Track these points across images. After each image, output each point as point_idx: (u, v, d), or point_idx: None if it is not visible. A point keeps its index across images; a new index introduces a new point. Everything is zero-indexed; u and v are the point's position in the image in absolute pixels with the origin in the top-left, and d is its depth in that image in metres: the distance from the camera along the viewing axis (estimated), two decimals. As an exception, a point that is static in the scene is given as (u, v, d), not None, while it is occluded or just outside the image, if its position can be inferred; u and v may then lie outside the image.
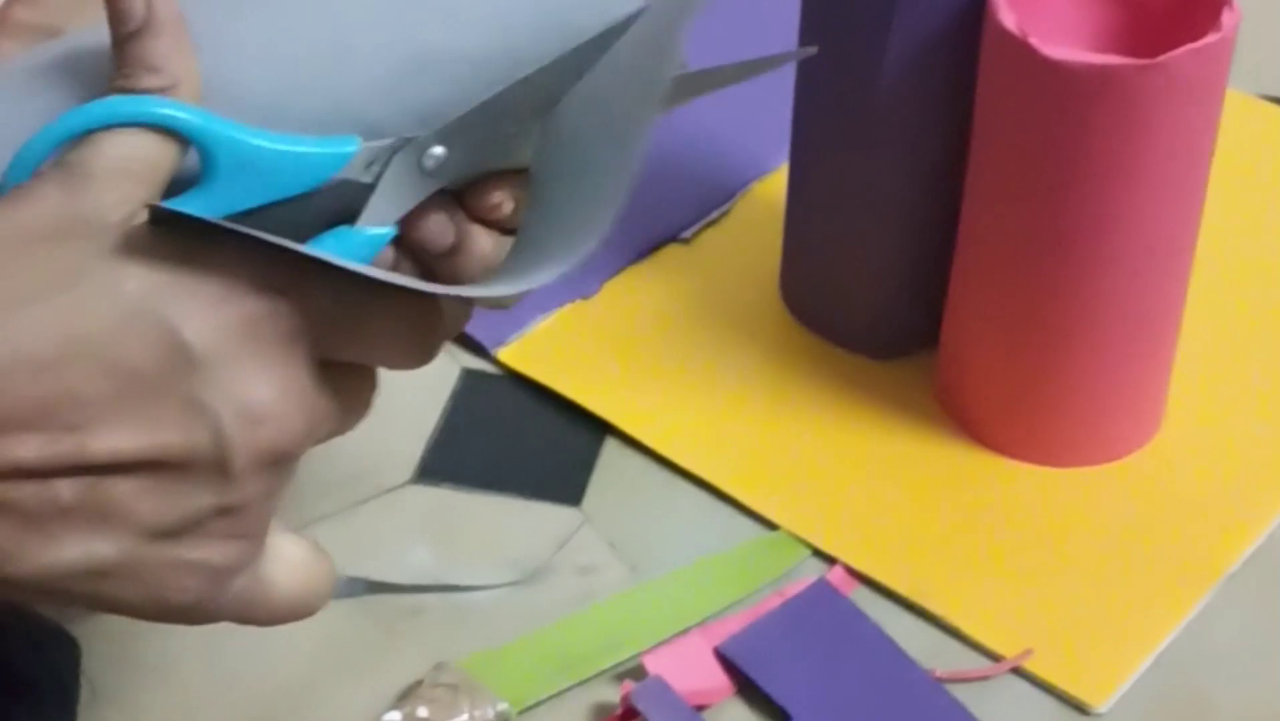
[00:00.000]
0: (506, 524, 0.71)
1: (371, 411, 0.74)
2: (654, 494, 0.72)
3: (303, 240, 0.47)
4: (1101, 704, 0.65)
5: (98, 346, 0.43)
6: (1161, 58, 0.63)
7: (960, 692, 0.65)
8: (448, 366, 0.77)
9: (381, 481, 0.72)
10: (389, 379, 0.76)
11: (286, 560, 0.48)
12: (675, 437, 0.74)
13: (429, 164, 0.50)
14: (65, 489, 0.43)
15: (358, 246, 0.50)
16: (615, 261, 0.81)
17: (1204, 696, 0.66)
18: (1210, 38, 0.64)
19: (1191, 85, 0.64)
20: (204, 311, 0.44)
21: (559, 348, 0.77)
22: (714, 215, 0.83)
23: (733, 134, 0.86)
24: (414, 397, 0.75)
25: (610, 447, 0.74)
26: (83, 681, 0.63)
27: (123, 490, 0.44)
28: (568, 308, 0.79)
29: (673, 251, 0.82)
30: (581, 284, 0.80)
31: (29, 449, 0.43)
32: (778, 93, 0.78)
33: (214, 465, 0.44)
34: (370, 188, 0.50)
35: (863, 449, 0.74)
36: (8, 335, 0.43)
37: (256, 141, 0.48)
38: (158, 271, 0.44)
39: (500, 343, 0.77)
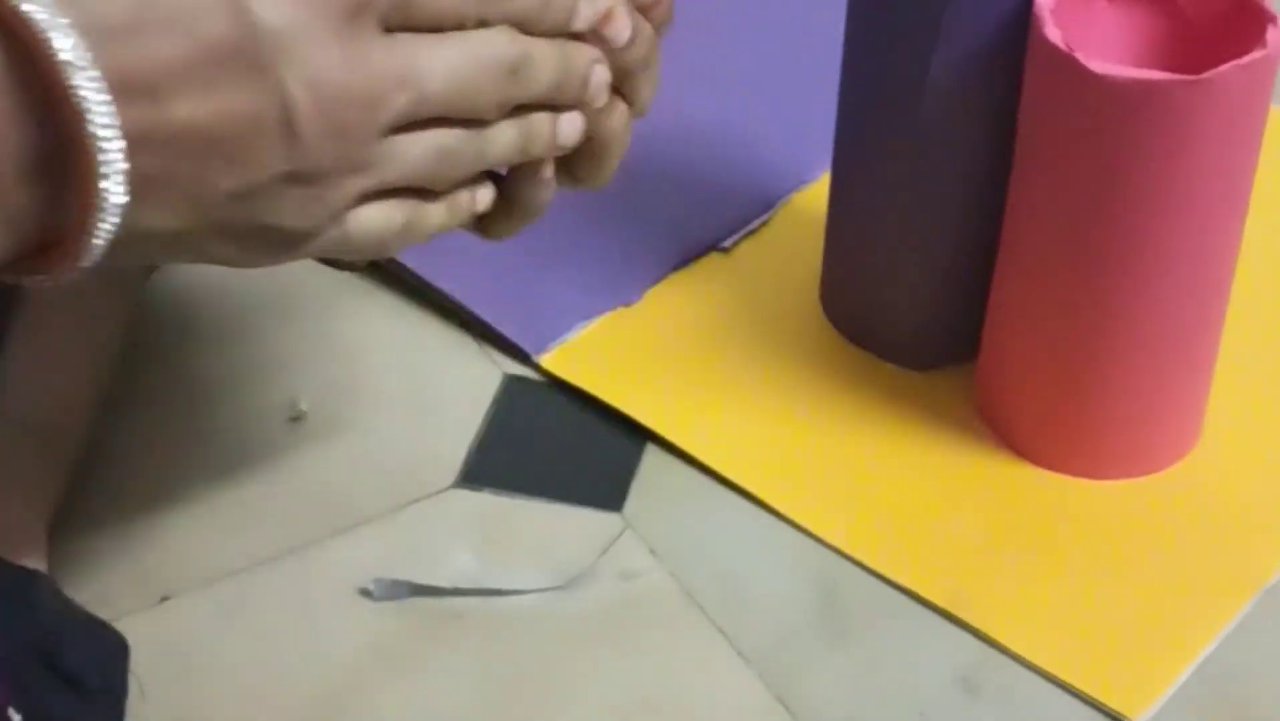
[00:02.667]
0: (548, 529, 0.71)
1: (415, 417, 0.75)
2: (695, 500, 0.73)
3: None
4: (1140, 714, 0.65)
5: (172, 16, 0.45)
6: (1207, 74, 0.64)
7: (998, 702, 0.66)
8: (490, 372, 0.77)
9: (425, 486, 0.73)
10: (433, 386, 0.77)
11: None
12: (715, 445, 0.74)
13: None
14: (144, 158, 0.45)
15: None
16: (656, 270, 0.81)
17: (1243, 707, 0.66)
18: (1255, 54, 0.64)
19: (1236, 101, 0.65)
20: None
21: (601, 354, 0.78)
22: (754, 225, 0.84)
23: (774, 143, 0.86)
24: (457, 403, 0.76)
25: (651, 454, 0.74)
26: (131, 680, 0.63)
27: (198, 158, 0.46)
28: (609, 315, 0.79)
29: (713, 260, 0.82)
30: (623, 292, 0.80)
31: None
32: (820, 102, 0.79)
33: (282, 130, 0.47)
34: None
35: (902, 459, 0.74)
36: (86, 3, 0.44)
37: None
38: None
39: (543, 349, 0.78)
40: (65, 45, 0.44)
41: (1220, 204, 0.67)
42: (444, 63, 0.50)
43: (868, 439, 0.75)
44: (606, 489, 0.73)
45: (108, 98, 0.44)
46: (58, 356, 0.67)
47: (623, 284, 0.81)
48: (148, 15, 0.45)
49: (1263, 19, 0.66)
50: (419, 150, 0.50)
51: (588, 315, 0.79)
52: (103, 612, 0.64)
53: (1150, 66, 0.66)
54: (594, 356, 0.78)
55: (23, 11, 0.43)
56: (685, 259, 0.82)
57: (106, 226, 0.46)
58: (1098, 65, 0.64)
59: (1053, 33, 0.66)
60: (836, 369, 0.77)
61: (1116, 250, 0.68)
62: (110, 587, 0.68)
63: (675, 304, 0.80)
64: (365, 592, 0.68)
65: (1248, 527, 0.72)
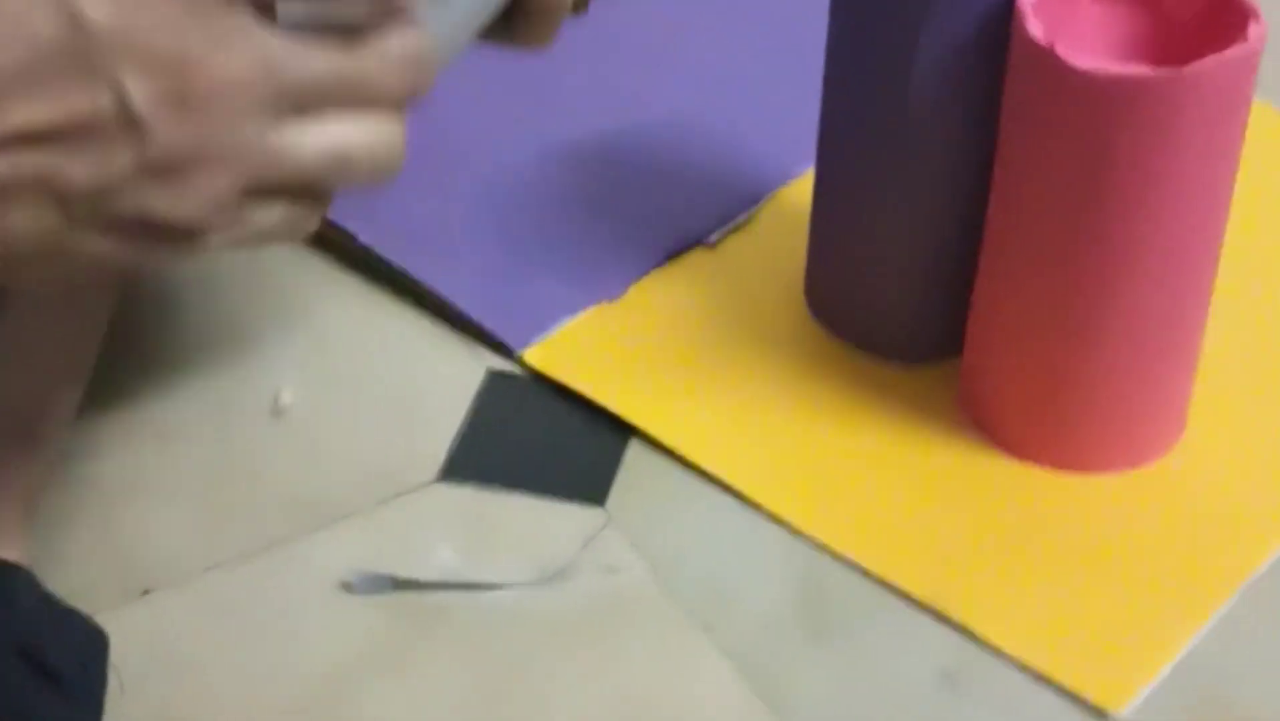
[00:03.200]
0: (531, 523, 0.71)
1: (398, 411, 0.75)
2: (678, 495, 0.73)
3: None
4: (1123, 708, 0.65)
5: (5, 24, 0.45)
6: (1188, 68, 0.64)
7: (982, 697, 0.66)
8: (473, 367, 0.77)
9: (407, 480, 0.73)
10: (415, 380, 0.77)
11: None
12: (699, 440, 0.74)
13: None
14: None
15: None
16: (640, 265, 0.81)
17: (1226, 701, 0.66)
18: (1236, 49, 0.64)
19: (1217, 96, 0.65)
20: None
21: (583, 350, 0.78)
22: (739, 220, 0.84)
23: (758, 139, 0.86)
24: (440, 397, 0.76)
25: (634, 449, 0.74)
26: (110, 675, 0.63)
27: (46, 160, 0.46)
28: (592, 310, 0.79)
29: (698, 256, 0.82)
30: (607, 286, 0.80)
31: None
32: (803, 98, 0.79)
33: (122, 123, 0.46)
34: None
35: (885, 454, 0.74)
36: None
37: None
38: None
39: (526, 344, 0.78)
40: None
41: (1203, 198, 0.67)
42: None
43: (851, 434, 0.75)
44: (589, 483, 0.73)
45: None
46: (36, 347, 0.67)
47: (606, 279, 0.81)
48: None
49: (1244, 13, 0.66)
50: (311, 150, 0.49)
51: (571, 310, 0.79)
52: (83, 606, 0.64)
53: (1132, 62, 0.66)
54: (577, 351, 0.78)
55: None
56: (670, 254, 0.82)
57: None
58: (1079, 61, 0.64)
59: (1035, 28, 0.66)
60: (820, 364, 0.77)
61: (1100, 245, 0.68)
62: (90, 581, 0.68)
63: (659, 299, 0.80)
64: (347, 587, 0.68)
65: (1231, 522, 0.72)
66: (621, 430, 0.75)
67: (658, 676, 0.67)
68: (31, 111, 0.46)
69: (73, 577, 0.67)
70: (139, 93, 0.46)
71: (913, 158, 0.73)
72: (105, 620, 0.64)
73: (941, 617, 0.68)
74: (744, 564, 0.70)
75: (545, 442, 0.75)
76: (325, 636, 0.67)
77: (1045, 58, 0.65)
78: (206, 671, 0.66)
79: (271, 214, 0.49)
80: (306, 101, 0.48)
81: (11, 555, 0.63)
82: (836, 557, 0.70)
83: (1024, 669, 0.67)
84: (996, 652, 0.67)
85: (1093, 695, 0.66)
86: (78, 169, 0.47)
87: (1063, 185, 0.67)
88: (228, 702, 0.65)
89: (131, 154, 0.47)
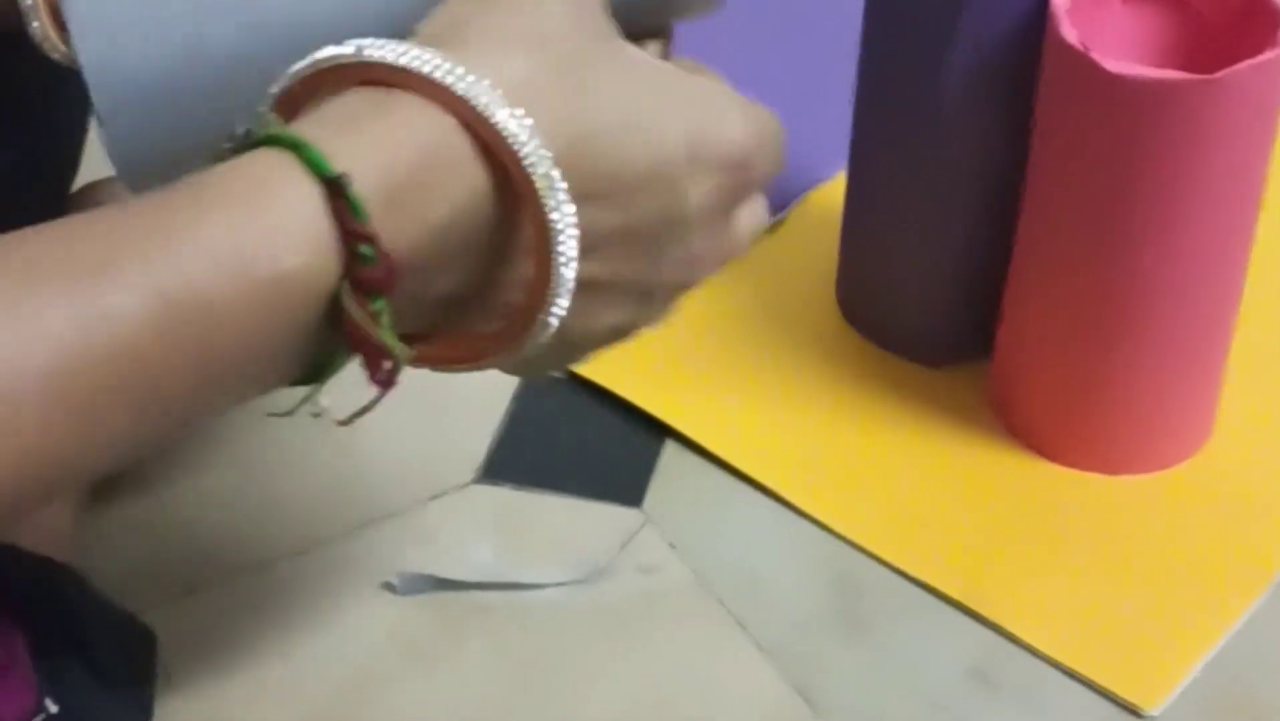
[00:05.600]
0: (569, 523, 0.72)
1: (436, 413, 0.76)
2: (714, 495, 0.73)
3: None
4: (1154, 707, 0.66)
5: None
6: (1220, 73, 0.64)
7: (1013, 694, 0.66)
8: (510, 368, 0.78)
9: (446, 481, 0.73)
10: (454, 382, 0.78)
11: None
12: (733, 441, 0.75)
13: None
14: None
15: None
16: (673, 267, 0.82)
17: (1256, 699, 0.67)
18: (1268, 54, 0.65)
19: (1249, 100, 0.65)
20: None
21: (619, 352, 0.78)
22: (771, 223, 0.84)
23: (790, 141, 0.86)
24: (478, 399, 0.76)
25: (670, 450, 0.75)
26: (159, 672, 0.64)
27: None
28: (627, 312, 0.80)
29: (730, 258, 0.83)
30: (641, 289, 0.81)
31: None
32: (835, 101, 0.79)
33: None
34: None
35: (916, 454, 0.75)
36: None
37: None
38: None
39: (561, 346, 0.78)
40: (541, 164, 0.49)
41: (1233, 201, 0.68)
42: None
43: (883, 434, 0.75)
44: (626, 484, 0.73)
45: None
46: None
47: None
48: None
49: (1275, 19, 0.66)
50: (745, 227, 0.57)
51: (606, 312, 0.80)
52: (130, 605, 0.64)
53: (1164, 66, 0.66)
54: (613, 353, 0.78)
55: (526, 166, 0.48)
56: (702, 256, 0.82)
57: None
58: (1113, 65, 0.65)
59: (1069, 32, 0.66)
60: (852, 365, 0.78)
61: (1131, 247, 0.68)
62: (137, 580, 0.69)
63: (692, 301, 0.80)
64: (389, 586, 0.69)
65: (1260, 522, 0.72)
66: (657, 431, 0.75)
67: (695, 674, 0.67)
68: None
69: (120, 577, 0.68)
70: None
71: (945, 160, 0.73)
72: (153, 618, 0.64)
73: (973, 615, 0.69)
74: (779, 562, 0.71)
75: (582, 444, 0.75)
76: (366, 634, 0.68)
77: (1079, 61, 0.66)
78: (250, 667, 0.67)
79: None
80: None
81: (61, 556, 0.64)
82: (869, 555, 0.71)
83: (1055, 666, 0.67)
84: (1028, 650, 0.68)
85: (1125, 693, 0.66)
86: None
87: (1094, 187, 0.68)
88: (273, 699, 0.66)
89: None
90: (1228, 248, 0.70)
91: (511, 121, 0.48)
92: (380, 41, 0.49)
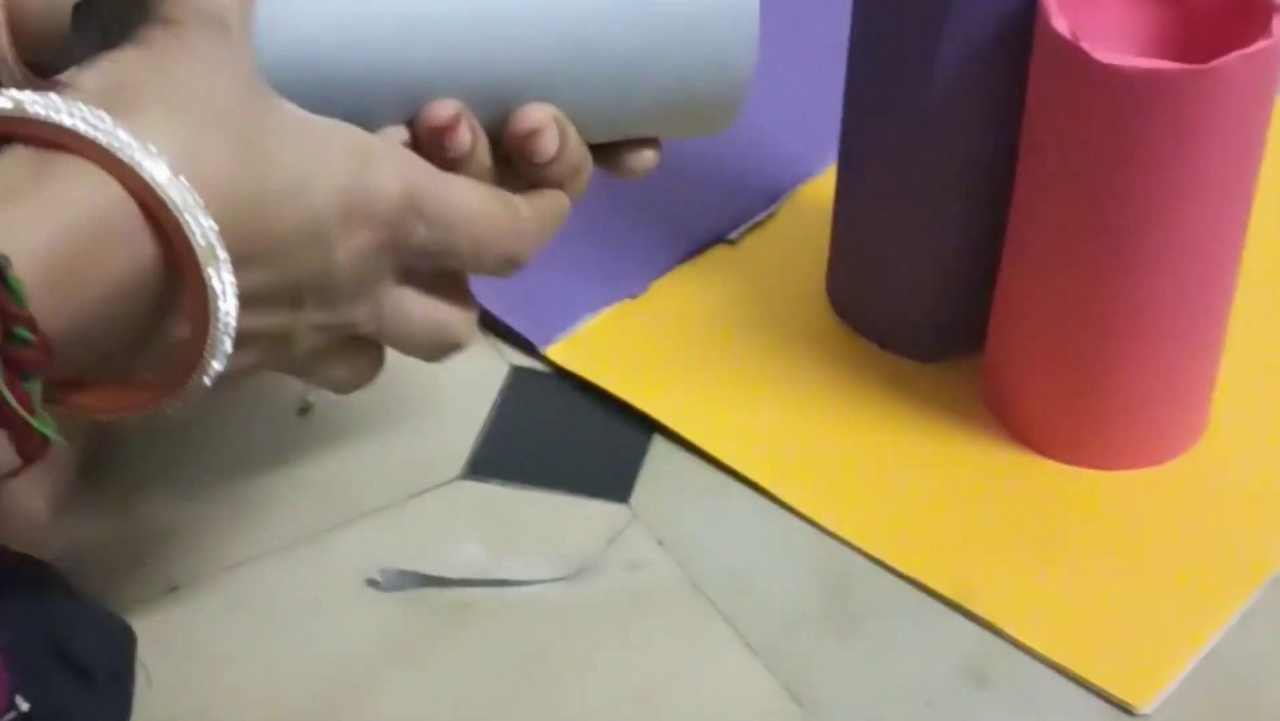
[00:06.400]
0: (556, 520, 0.72)
1: (423, 408, 0.75)
2: (702, 491, 0.73)
3: None
4: (1146, 705, 0.66)
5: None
6: (1212, 63, 0.64)
7: (1006, 692, 0.66)
8: (497, 364, 0.78)
9: (432, 477, 0.73)
10: (440, 377, 0.77)
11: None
12: (721, 436, 0.74)
13: None
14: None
15: None
16: (662, 262, 0.81)
17: (1249, 697, 0.66)
18: (1261, 44, 0.64)
19: (1241, 91, 0.65)
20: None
21: (607, 346, 0.78)
22: (761, 217, 0.84)
23: (780, 136, 0.87)
24: (464, 394, 0.76)
25: (658, 445, 0.74)
26: (139, 670, 0.63)
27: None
28: (615, 307, 0.79)
29: (720, 252, 0.82)
30: (629, 284, 0.80)
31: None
32: (826, 95, 0.79)
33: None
34: None
35: (908, 450, 0.74)
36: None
37: None
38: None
39: (549, 341, 0.78)
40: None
41: (1226, 193, 0.68)
42: None
43: (874, 430, 0.75)
44: (613, 480, 0.73)
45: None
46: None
47: (629, 276, 0.81)
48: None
49: (1268, 9, 0.66)
50: None
51: (594, 307, 0.79)
52: (111, 603, 0.64)
53: (1156, 56, 0.66)
54: (601, 348, 0.78)
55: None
56: (691, 251, 0.82)
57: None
58: (1104, 55, 0.65)
59: (1059, 22, 0.66)
60: (843, 360, 0.77)
61: (1123, 240, 0.68)
62: (118, 578, 0.68)
63: (681, 296, 0.80)
64: (373, 583, 0.69)
65: (1255, 517, 0.72)
66: (645, 426, 0.75)
67: (682, 671, 0.67)
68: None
69: (101, 574, 0.68)
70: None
71: (935, 153, 0.73)
72: (133, 616, 0.64)
73: (966, 613, 0.68)
74: (768, 559, 0.70)
75: (570, 439, 0.75)
76: (351, 632, 0.67)
77: (1070, 52, 0.65)
78: (234, 667, 0.66)
79: None
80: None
81: (40, 551, 0.64)
82: (860, 553, 0.70)
83: (1048, 664, 0.67)
84: (1021, 648, 0.67)
85: (1118, 691, 0.66)
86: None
87: (1086, 180, 0.67)
88: (255, 697, 0.65)
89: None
90: (1221, 240, 0.69)
91: (175, 191, 0.49)
92: (44, 98, 0.48)
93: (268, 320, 0.54)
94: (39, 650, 0.57)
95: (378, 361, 0.61)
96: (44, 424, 0.48)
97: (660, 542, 0.71)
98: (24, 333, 0.46)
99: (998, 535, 0.71)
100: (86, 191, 0.48)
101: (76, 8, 0.56)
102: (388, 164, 0.56)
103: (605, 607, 0.68)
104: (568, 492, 0.73)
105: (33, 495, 0.66)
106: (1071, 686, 0.66)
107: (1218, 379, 0.74)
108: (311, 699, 0.65)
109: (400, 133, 0.59)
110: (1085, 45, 0.65)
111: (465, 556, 0.70)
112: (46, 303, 0.47)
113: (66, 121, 0.48)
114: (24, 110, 0.48)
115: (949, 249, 0.75)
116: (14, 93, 0.48)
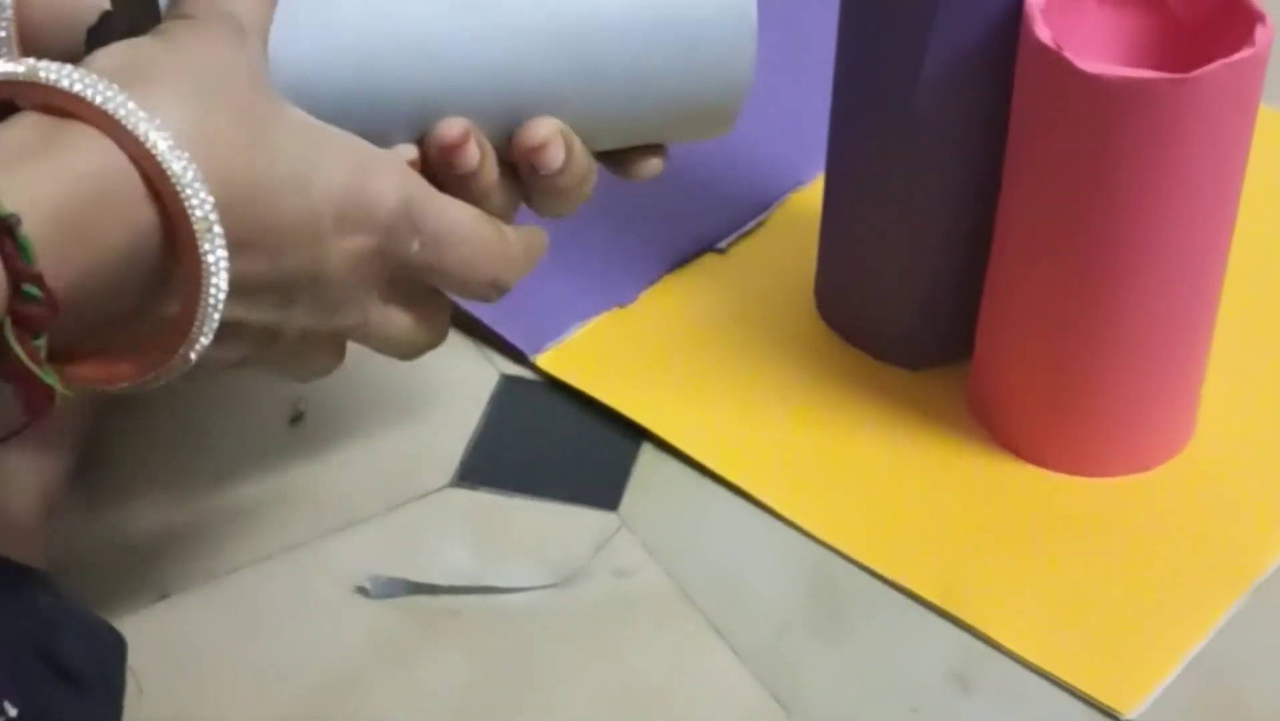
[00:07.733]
0: (544, 527, 0.72)
1: (412, 417, 0.76)
2: (690, 499, 0.73)
3: None
4: (1131, 710, 0.66)
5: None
6: (1196, 72, 0.64)
7: (991, 697, 0.66)
8: (487, 372, 0.78)
9: (422, 484, 0.73)
10: (429, 385, 0.78)
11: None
12: (710, 444, 0.74)
13: None
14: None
15: None
16: (652, 271, 0.82)
17: (1235, 704, 0.66)
18: (1244, 53, 0.65)
19: (1225, 100, 0.65)
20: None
21: (596, 354, 0.78)
22: (750, 226, 0.84)
23: (769, 145, 0.87)
24: (454, 402, 0.76)
25: (647, 453, 0.75)
26: (129, 677, 0.63)
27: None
28: (605, 316, 0.80)
29: (709, 261, 0.83)
30: (619, 292, 0.81)
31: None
32: (814, 104, 0.79)
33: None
34: None
35: (895, 457, 0.74)
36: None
37: None
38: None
39: (539, 349, 0.78)
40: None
41: (1210, 201, 0.68)
42: None
43: (862, 437, 0.75)
44: (602, 487, 0.73)
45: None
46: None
47: (618, 285, 0.81)
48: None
49: (1251, 18, 0.66)
50: None
51: (584, 316, 0.80)
52: (101, 610, 0.64)
53: (1140, 65, 0.66)
54: (590, 357, 0.78)
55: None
56: (680, 260, 0.82)
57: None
58: (1088, 64, 0.65)
59: (1043, 32, 0.66)
60: (831, 368, 0.78)
61: (1108, 248, 0.68)
62: (109, 585, 0.68)
63: (671, 304, 0.81)
64: (362, 590, 0.69)
65: (1240, 523, 0.72)
66: (634, 434, 0.75)
67: (670, 677, 0.67)
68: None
69: (92, 581, 0.68)
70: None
71: (921, 162, 0.73)
72: (124, 623, 0.64)
73: (951, 618, 0.69)
74: (756, 566, 0.71)
75: (559, 447, 0.75)
76: (340, 638, 0.68)
77: (1054, 61, 0.65)
78: (224, 673, 0.66)
79: None
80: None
81: (31, 559, 0.64)
82: (847, 559, 0.71)
83: (1034, 669, 0.67)
84: (1006, 653, 0.68)
85: (1103, 696, 0.66)
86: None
87: (1071, 188, 0.68)
88: (245, 704, 0.65)
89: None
90: (1206, 248, 0.69)
91: (176, 163, 0.50)
92: (57, 66, 0.49)
93: (258, 315, 0.55)
94: (25, 654, 0.57)
95: (341, 356, 0.62)
96: (51, 378, 0.49)
97: (648, 549, 0.71)
98: (33, 290, 0.47)
99: (984, 541, 0.71)
100: (92, 157, 0.49)
101: (91, 31, 0.57)
102: (388, 174, 0.57)
103: (594, 614, 0.69)
104: (557, 500, 0.73)
105: (24, 501, 0.66)
106: (1057, 691, 0.67)
107: (1204, 386, 0.74)
108: (301, 705, 0.66)
109: (409, 150, 0.60)
110: (1068, 54, 0.65)
111: (454, 563, 0.70)
112: (53, 260, 0.48)
113: (75, 88, 0.49)
114: (36, 75, 0.49)
115: (936, 257, 0.75)
116: (29, 60, 0.49)
